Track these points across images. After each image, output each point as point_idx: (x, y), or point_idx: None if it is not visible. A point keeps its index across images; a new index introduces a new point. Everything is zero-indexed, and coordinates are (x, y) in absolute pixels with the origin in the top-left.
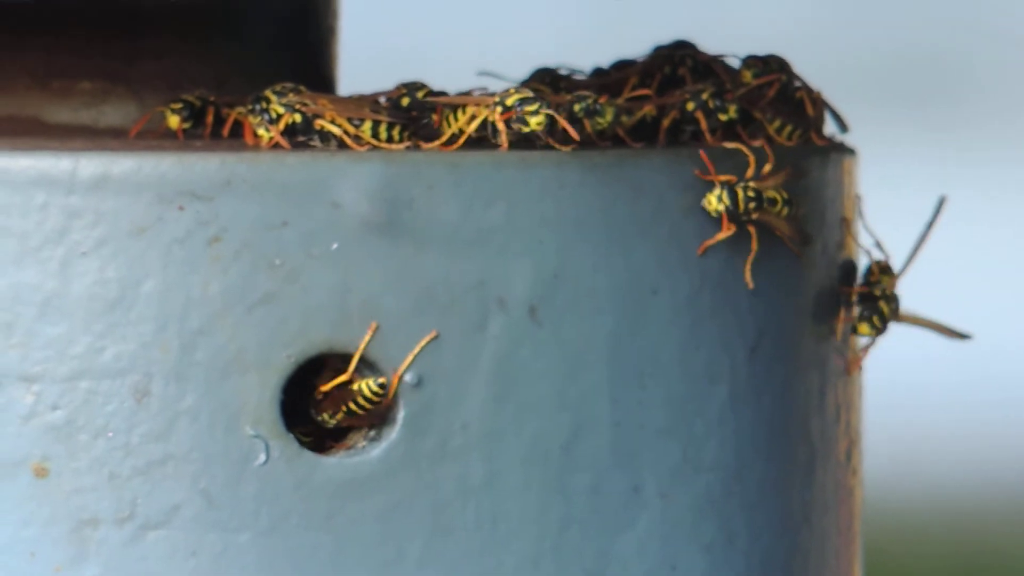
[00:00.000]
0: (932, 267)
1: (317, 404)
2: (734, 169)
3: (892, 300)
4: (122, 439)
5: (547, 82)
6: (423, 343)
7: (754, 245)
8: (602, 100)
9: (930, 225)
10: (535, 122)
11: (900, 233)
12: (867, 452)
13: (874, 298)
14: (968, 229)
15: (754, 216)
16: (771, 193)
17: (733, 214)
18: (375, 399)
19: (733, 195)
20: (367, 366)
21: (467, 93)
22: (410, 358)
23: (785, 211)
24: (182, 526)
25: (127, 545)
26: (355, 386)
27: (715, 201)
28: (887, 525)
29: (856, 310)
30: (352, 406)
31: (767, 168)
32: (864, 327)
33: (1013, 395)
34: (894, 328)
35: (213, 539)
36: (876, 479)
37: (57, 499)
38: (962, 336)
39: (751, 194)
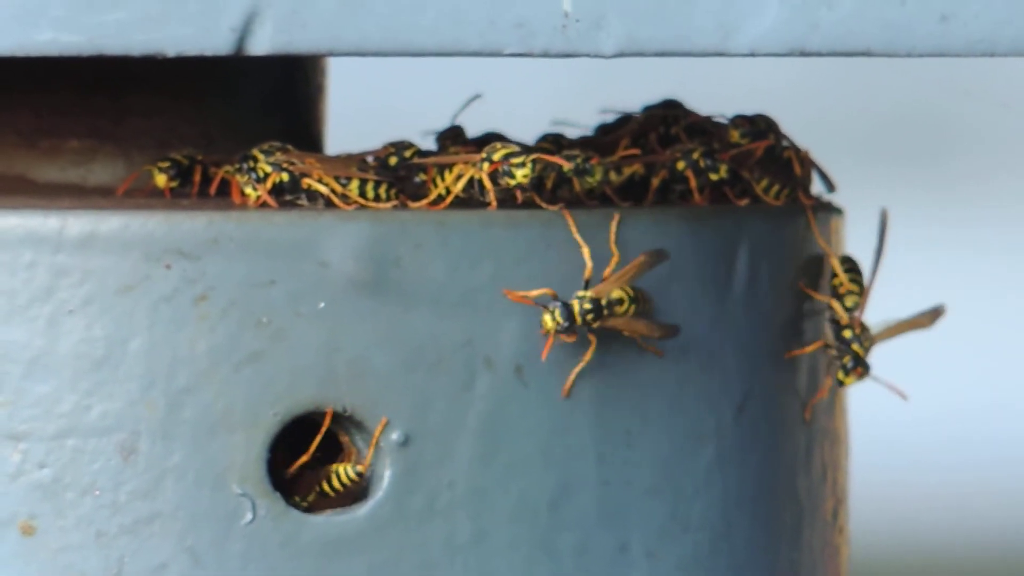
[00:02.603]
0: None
1: (291, 486)
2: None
3: (864, 338)
4: (109, 497)
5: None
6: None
7: (588, 355)
8: (593, 160)
9: (881, 243)
10: (521, 174)
11: (886, 290)
12: (853, 511)
13: (846, 342)
14: (955, 289)
15: (595, 325)
16: (616, 293)
17: (571, 329)
18: (350, 484)
19: (567, 310)
20: (353, 425)
21: (453, 152)
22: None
23: (632, 309)
24: None
25: None
26: (332, 468)
27: (549, 321)
28: None
29: (836, 362)
30: (325, 487)
31: (608, 269)
32: (850, 378)
33: (999, 454)
34: (880, 387)
35: None
36: (862, 538)
37: (44, 557)
38: (936, 315)
39: (587, 306)
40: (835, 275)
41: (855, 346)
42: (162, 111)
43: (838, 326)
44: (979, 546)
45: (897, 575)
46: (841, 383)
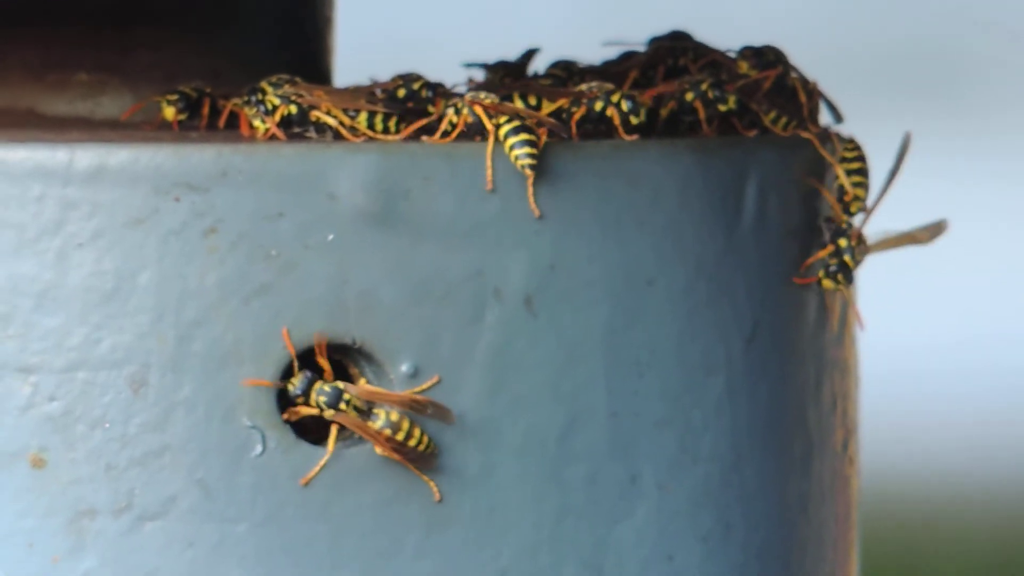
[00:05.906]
0: (935, 259)
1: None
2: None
3: (858, 251)
4: (119, 430)
5: (563, 73)
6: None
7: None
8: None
9: (897, 164)
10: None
11: (894, 222)
12: (864, 441)
13: (840, 250)
14: (967, 221)
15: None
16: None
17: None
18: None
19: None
20: (364, 357)
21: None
22: None
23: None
24: (179, 517)
25: (124, 536)
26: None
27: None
28: (885, 514)
29: (824, 261)
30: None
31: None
32: (828, 281)
33: (1012, 383)
34: (893, 316)
35: (210, 530)
36: (873, 468)
37: (54, 490)
38: (936, 231)
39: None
40: (841, 186)
41: (847, 257)
42: (170, 44)
43: (837, 230)
44: (989, 476)
45: (908, 506)
46: (819, 282)
